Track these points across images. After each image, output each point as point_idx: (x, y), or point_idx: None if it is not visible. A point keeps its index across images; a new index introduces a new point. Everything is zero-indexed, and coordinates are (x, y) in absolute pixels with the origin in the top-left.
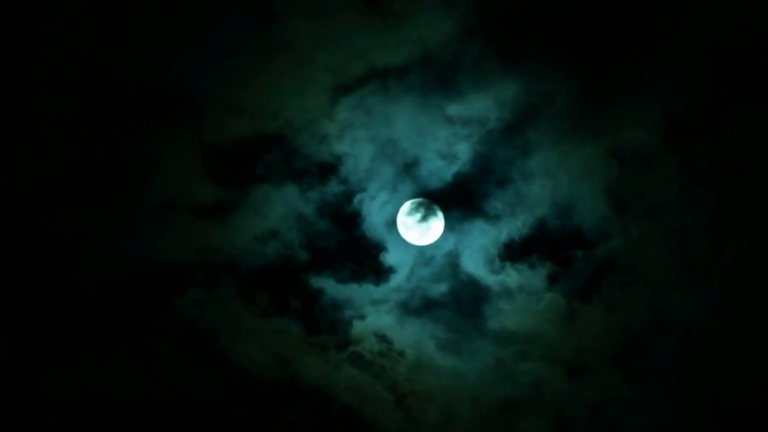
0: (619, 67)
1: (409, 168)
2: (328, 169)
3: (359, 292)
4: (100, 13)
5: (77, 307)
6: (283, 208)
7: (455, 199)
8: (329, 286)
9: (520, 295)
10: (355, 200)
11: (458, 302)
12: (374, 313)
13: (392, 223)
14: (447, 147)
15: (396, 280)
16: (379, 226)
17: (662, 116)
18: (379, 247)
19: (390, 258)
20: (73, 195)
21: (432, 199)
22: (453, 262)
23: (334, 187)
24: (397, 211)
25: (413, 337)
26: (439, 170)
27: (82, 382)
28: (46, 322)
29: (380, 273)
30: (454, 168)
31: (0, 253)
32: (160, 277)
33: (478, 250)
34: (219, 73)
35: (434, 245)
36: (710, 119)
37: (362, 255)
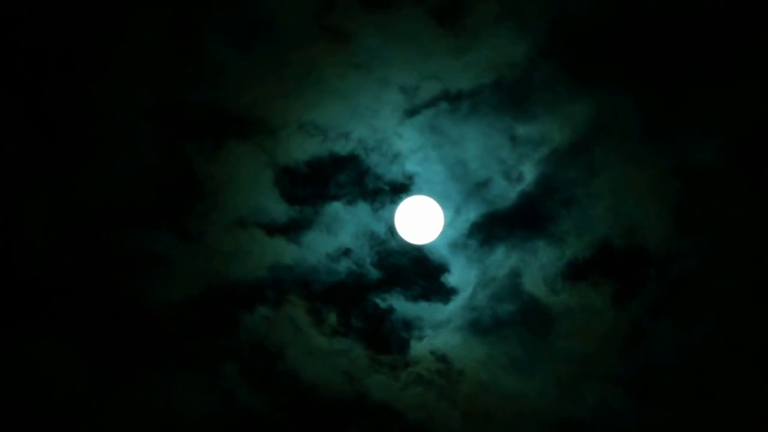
0: (686, 84)
1: (475, 188)
2: (400, 188)
3: (426, 312)
4: (174, 36)
5: (148, 325)
6: (355, 227)
7: (519, 219)
8: (399, 304)
9: (584, 315)
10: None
11: (520, 322)
12: (436, 333)
13: (455, 245)
14: (513, 167)
15: (458, 300)
16: (442, 247)
17: (730, 134)
18: (442, 268)
19: (452, 278)
20: (146, 214)
21: (496, 220)
22: (515, 281)
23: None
24: (459, 234)
25: (474, 357)
26: (504, 190)
27: (149, 399)
28: (118, 340)
29: (444, 293)
30: (519, 188)
31: (73, 271)
32: (231, 295)
33: (541, 269)
34: (293, 94)
35: (497, 264)
36: None
37: (429, 275)
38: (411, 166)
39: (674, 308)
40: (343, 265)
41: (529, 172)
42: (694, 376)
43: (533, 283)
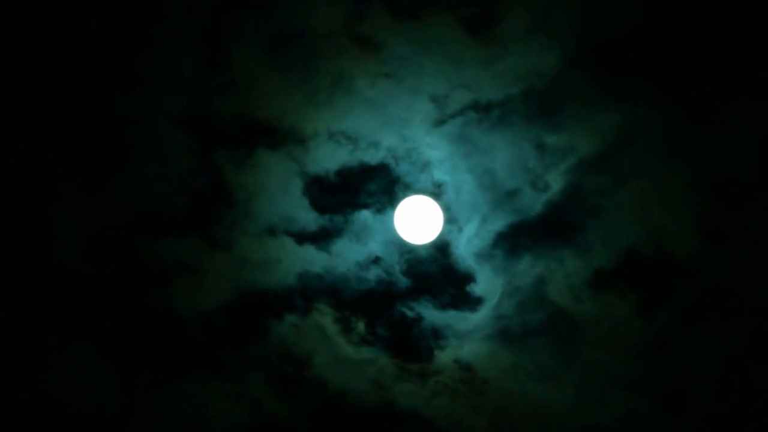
0: (714, 94)
1: (503, 198)
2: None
3: (454, 321)
4: (205, 46)
5: (178, 333)
6: (384, 235)
7: (546, 229)
8: (427, 312)
9: (610, 324)
10: (444, 230)
11: (547, 331)
12: (464, 342)
13: (481, 254)
14: (541, 177)
15: (483, 309)
16: (467, 257)
17: (758, 144)
18: (467, 278)
19: (477, 288)
20: (177, 222)
21: (523, 229)
22: (541, 291)
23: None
24: (485, 244)
25: (501, 366)
26: (531, 200)
27: (178, 407)
28: (147, 348)
29: (471, 302)
30: (546, 197)
31: (103, 279)
32: (260, 304)
33: (567, 278)
34: (322, 103)
35: (522, 273)
36: None
37: (454, 285)
38: (440, 174)
39: (701, 317)
40: (373, 273)
41: (556, 182)
42: (721, 385)
43: (559, 293)
